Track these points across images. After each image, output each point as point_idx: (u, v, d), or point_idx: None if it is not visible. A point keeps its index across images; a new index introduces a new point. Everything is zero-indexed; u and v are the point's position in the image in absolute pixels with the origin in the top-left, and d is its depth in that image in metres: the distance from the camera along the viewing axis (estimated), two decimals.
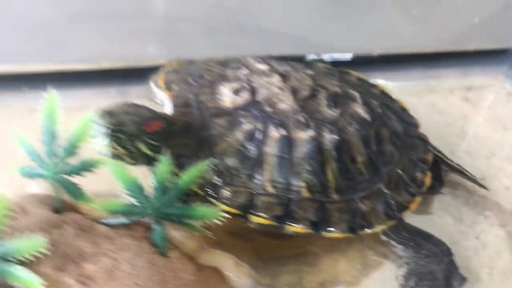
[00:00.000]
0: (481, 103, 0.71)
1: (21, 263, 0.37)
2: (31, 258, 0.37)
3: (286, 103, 0.47)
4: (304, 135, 0.46)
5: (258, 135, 0.46)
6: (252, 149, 0.45)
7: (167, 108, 0.51)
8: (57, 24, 0.63)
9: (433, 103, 0.70)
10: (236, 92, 0.48)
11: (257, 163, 0.45)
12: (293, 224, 0.45)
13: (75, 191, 0.42)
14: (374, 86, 0.61)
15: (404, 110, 0.60)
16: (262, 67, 0.52)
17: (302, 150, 0.46)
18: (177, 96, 0.50)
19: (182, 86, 0.51)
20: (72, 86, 0.66)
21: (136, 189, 0.41)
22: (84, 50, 0.65)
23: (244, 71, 0.51)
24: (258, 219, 0.45)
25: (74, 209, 0.46)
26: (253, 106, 0.47)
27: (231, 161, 0.45)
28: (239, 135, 0.46)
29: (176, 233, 0.45)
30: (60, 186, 0.43)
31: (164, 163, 0.41)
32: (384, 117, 0.53)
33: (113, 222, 0.43)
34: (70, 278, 0.38)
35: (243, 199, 0.44)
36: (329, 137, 0.47)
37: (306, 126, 0.46)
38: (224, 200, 0.44)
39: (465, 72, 0.75)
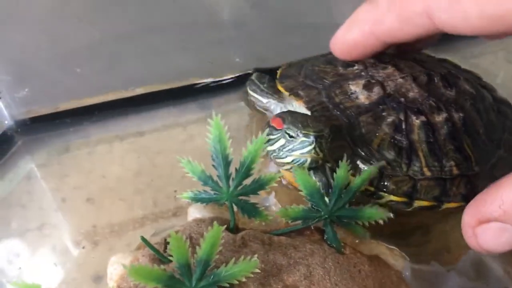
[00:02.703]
0: None
1: (231, 285, 0.37)
2: (242, 280, 0.37)
3: (413, 91, 0.48)
4: (439, 118, 0.47)
5: (403, 125, 0.46)
6: (402, 139, 0.46)
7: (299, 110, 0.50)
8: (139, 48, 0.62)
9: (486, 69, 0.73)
10: (367, 88, 0.48)
11: (411, 151, 0.46)
12: (449, 201, 0.46)
13: (253, 210, 0.42)
14: (445, 61, 0.63)
15: (479, 78, 0.62)
16: (370, 60, 0.52)
17: (442, 132, 0.47)
18: (310, 101, 0.49)
19: (308, 91, 0.50)
20: (155, 106, 0.65)
21: (316, 194, 0.41)
22: (164, 70, 0.63)
23: (358, 67, 0.51)
24: (421, 202, 0.46)
25: (239, 227, 0.46)
26: (388, 98, 0.48)
27: (389, 154, 0.46)
28: (386, 128, 0.46)
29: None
30: (237, 207, 0.42)
31: (343, 168, 0.41)
32: (480, 89, 0.55)
33: (287, 231, 0.44)
34: None
35: (407, 186, 0.45)
36: (457, 116, 0.48)
37: (439, 109, 0.48)
38: (392, 191, 0.45)
39: None
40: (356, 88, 0.49)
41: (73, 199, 0.56)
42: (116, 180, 0.57)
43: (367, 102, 0.48)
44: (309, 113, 0.48)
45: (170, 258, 0.36)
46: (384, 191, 0.45)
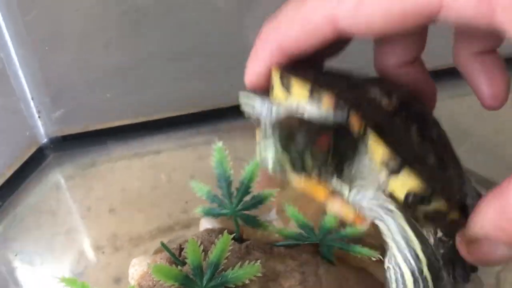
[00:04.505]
0: None
1: (236, 286, 0.42)
2: (246, 282, 0.42)
3: (416, 103, 0.44)
4: (441, 131, 0.44)
5: (425, 133, 0.41)
6: (431, 147, 0.40)
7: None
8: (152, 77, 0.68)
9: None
10: (386, 94, 0.41)
11: (442, 157, 0.41)
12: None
13: (255, 221, 0.47)
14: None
15: None
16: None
17: (448, 142, 0.44)
18: (339, 94, 0.39)
19: (330, 87, 0.40)
20: (171, 128, 0.71)
21: (307, 228, 0.46)
22: (181, 95, 0.69)
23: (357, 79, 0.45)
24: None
25: (243, 238, 0.51)
26: (405, 106, 0.41)
27: (431, 160, 0.39)
28: (415, 135, 0.40)
29: None
30: (239, 220, 0.48)
31: (330, 217, 0.46)
32: None
33: (287, 243, 0.49)
34: None
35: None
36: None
37: (435, 121, 0.44)
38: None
39: None
40: (376, 92, 0.41)
41: (96, 209, 0.61)
42: (135, 193, 0.63)
43: (390, 107, 0.41)
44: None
45: (186, 261, 0.41)
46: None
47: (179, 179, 0.65)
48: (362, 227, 0.41)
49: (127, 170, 0.66)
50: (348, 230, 0.46)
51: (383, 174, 0.37)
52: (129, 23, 0.65)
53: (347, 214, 0.41)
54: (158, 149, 0.68)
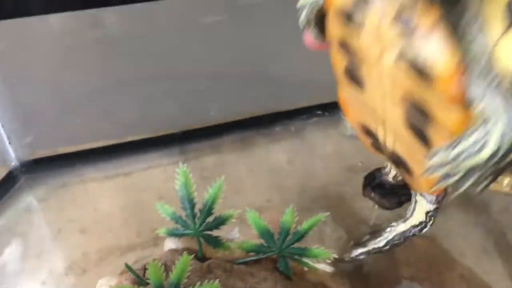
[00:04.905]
0: None
1: None
2: None
3: None
4: None
5: None
6: None
7: None
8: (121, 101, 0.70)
9: None
10: None
11: None
12: None
13: (216, 241, 0.50)
14: None
15: None
16: None
17: None
18: None
19: None
20: (141, 150, 0.73)
21: (267, 234, 0.49)
22: (149, 118, 0.72)
23: None
24: None
25: (206, 257, 0.53)
26: None
27: None
28: None
29: None
30: (202, 240, 0.50)
31: (289, 213, 0.49)
32: None
33: (247, 260, 0.51)
34: None
35: None
36: None
37: None
38: None
39: None
40: None
41: (68, 230, 0.63)
42: (106, 214, 0.64)
43: None
44: None
45: (148, 281, 0.43)
46: None
47: (148, 199, 0.67)
48: (452, 85, 0.31)
49: (98, 191, 0.67)
50: (304, 226, 0.49)
51: (499, 27, 0.30)
52: (99, 50, 0.68)
53: (451, 53, 0.31)
54: (128, 171, 0.70)
